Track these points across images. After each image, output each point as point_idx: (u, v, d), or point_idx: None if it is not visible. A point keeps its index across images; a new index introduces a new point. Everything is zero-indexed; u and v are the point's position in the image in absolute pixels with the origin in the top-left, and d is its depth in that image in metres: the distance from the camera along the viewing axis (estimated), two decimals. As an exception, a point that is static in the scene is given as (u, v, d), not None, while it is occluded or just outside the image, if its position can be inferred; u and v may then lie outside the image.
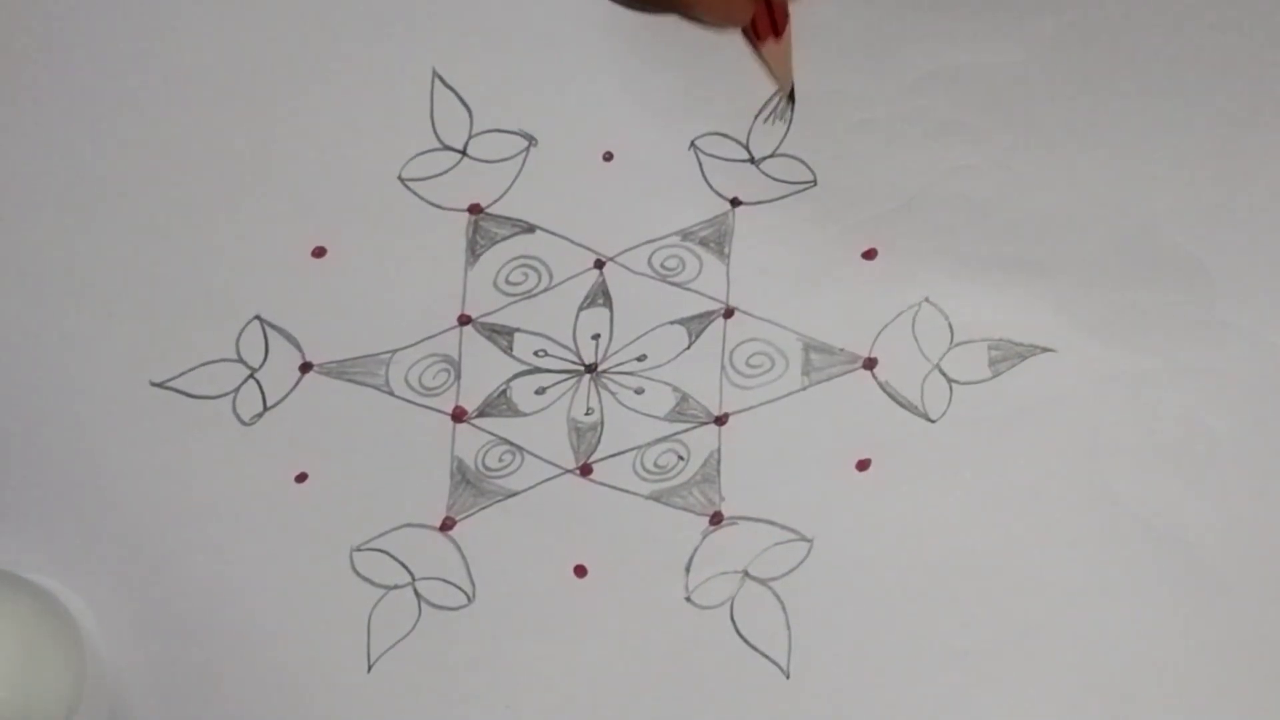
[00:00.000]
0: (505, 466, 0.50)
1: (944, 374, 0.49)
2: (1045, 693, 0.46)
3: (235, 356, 0.52)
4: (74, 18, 0.56)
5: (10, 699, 0.46)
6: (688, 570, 0.48)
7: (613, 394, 0.50)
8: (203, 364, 0.52)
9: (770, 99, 0.52)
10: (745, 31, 0.51)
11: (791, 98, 0.52)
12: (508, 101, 0.54)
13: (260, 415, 0.51)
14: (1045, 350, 0.48)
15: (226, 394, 0.52)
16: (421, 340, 0.51)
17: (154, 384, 0.52)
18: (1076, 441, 0.48)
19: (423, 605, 0.49)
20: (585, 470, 0.50)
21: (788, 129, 0.52)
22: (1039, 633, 0.46)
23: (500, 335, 0.51)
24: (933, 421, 0.48)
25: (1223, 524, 0.47)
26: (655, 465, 0.49)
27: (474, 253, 0.52)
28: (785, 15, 0.50)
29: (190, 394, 0.52)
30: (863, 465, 0.48)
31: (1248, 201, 0.49)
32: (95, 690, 0.49)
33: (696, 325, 0.50)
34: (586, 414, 0.50)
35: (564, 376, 0.51)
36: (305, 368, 0.52)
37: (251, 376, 0.52)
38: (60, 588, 0.50)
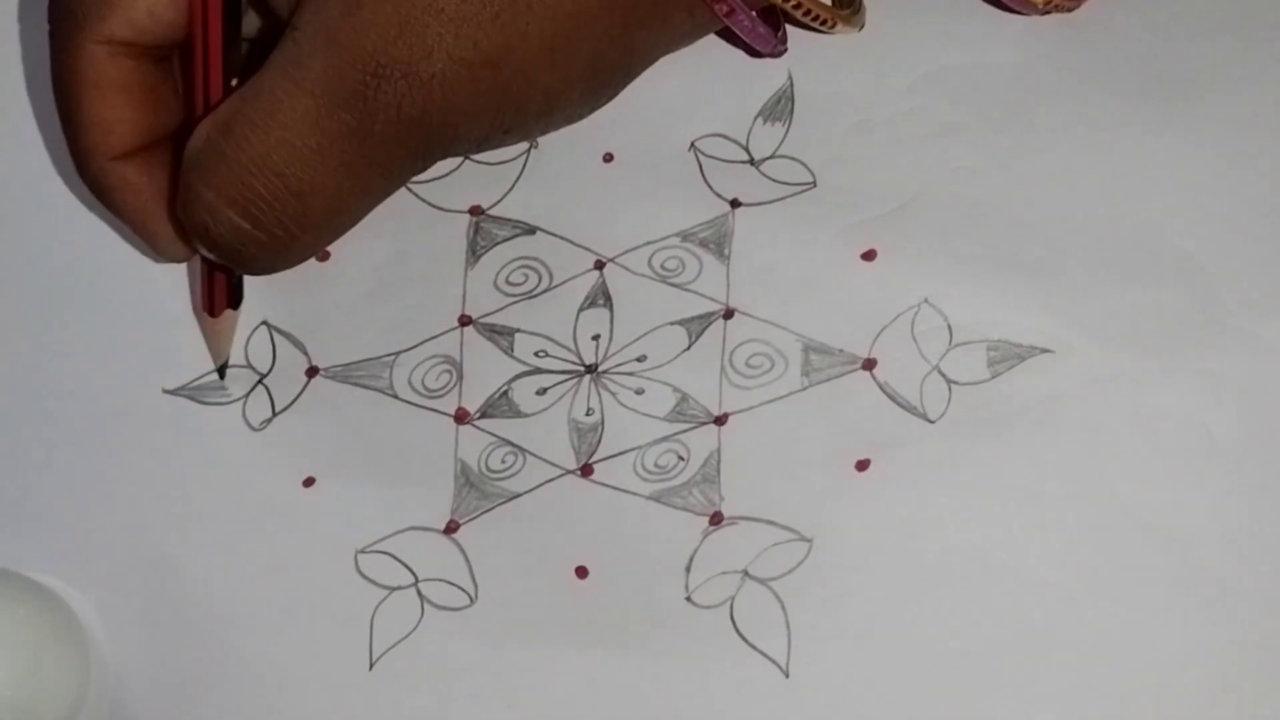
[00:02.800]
0: (508, 468, 0.50)
1: (943, 375, 0.49)
2: (1045, 693, 0.46)
3: (245, 363, 0.53)
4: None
5: (14, 698, 0.47)
6: (688, 570, 0.49)
7: (613, 394, 0.50)
8: (213, 370, 0.52)
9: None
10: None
11: (221, 372, 0.53)
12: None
13: (269, 420, 0.52)
14: (1044, 351, 0.48)
15: (236, 400, 0.52)
16: (423, 342, 0.52)
17: (166, 391, 0.52)
18: (1076, 442, 0.48)
19: (425, 606, 0.49)
20: (586, 471, 0.50)
21: (786, 130, 0.52)
22: (1039, 633, 0.46)
23: (501, 336, 0.51)
24: (932, 422, 0.48)
25: (1223, 524, 0.46)
26: (655, 465, 0.50)
27: (475, 254, 0.52)
28: (231, 300, 0.50)
29: (201, 400, 0.52)
30: (862, 465, 0.48)
31: (1248, 201, 0.49)
32: (99, 690, 0.49)
33: (696, 326, 0.51)
34: (587, 414, 0.50)
35: (564, 377, 0.51)
36: (311, 372, 0.52)
37: (260, 382, 0.52)
38: (65, 587, 0.50)
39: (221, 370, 0.52)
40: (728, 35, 0.49)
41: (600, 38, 0.43)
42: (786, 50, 0.49)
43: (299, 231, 0.43)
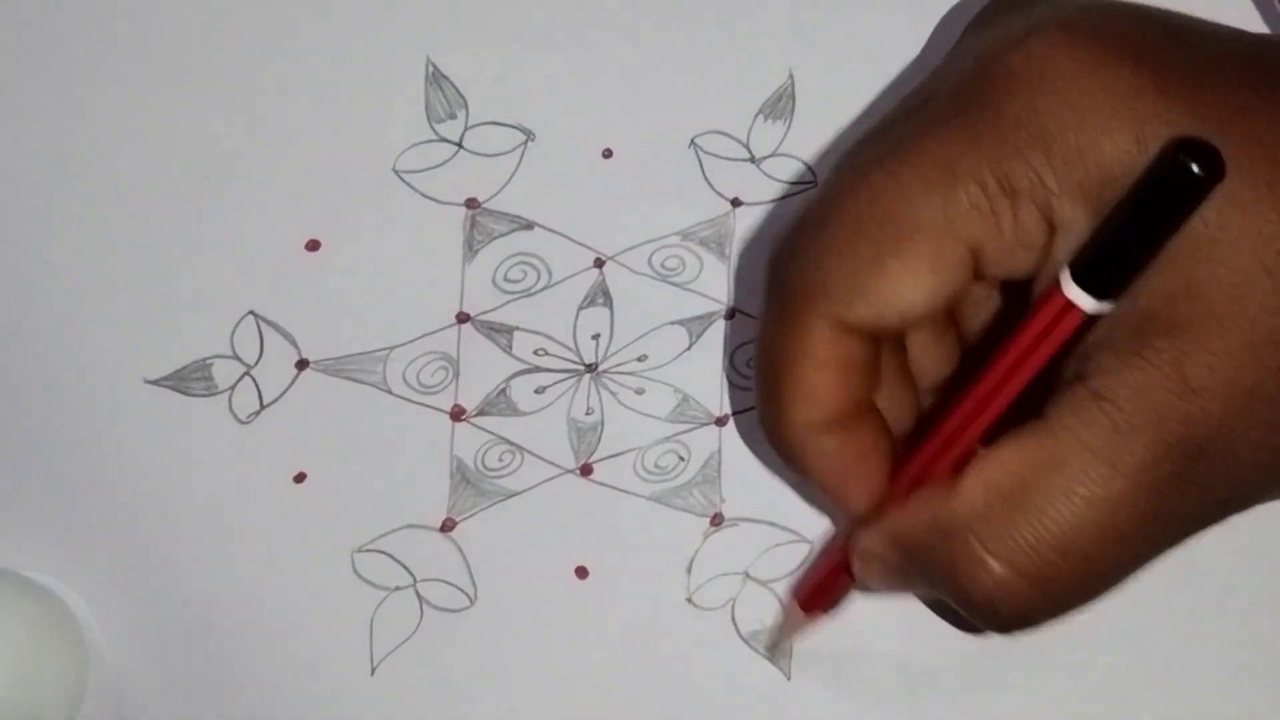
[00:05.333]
0: (505, 466, 0.50)
1: (944, 376, 0.49)
2: (1045, 692, 0.46)
3: (230, 353, 0.52)
4: (59, 8, 0.55)
5: (14, 697, 0.46)
6: (689, 571, 0.49)
7: (613, 394, 0.50)
8: (197, 361, 0.52)
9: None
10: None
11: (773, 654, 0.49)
12: (505, 94, 0.53)
13: (257, 413, 0.51)
14: (1045, 353, 0.49)
15: (222, 391, 0.52)
16: (419, 337, 0.51)
17: (148, 381, 0.52)
18: (1075, 444, 0.48)
19: (425, 607, 0.49)
20: (585, 470, 0.50)
21: (787, 129, 0.52)
22: (1039, 633, 0.47)
23: (499, 334, 0.51)
24: (932, 423, 0.49)
25: (1222, 524, 0.47)
26: (656, 466, 0.49)
27: (471, 248, 0.52)
28: (832, 604, 0.47)
29: (186, 392, 0.52)
30: (862, 466, 0.48)
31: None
32: (99, 690, 0.49)
33: (697, 326, 0.50)
34: (587, 414, 0.50)
35: (564, 376, 0.51)
36: (301, 364, 0.52)
37: (247, 374, 0.52)
38: (62, 586, 0.50)
39: (772, 652, 0.49)
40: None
41: None
42: None
43: (1082, 606, 0.40)
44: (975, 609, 0.40)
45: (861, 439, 0.42)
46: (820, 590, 0.46)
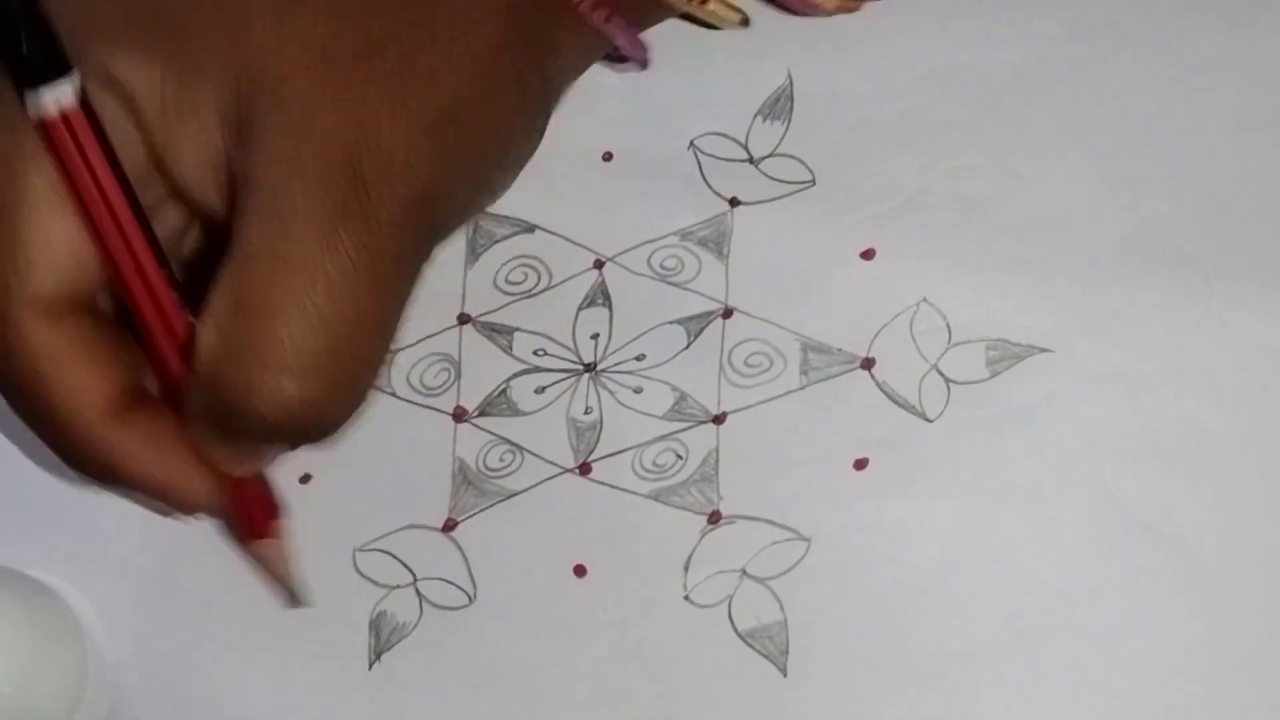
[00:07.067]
0: (506, 466, 0.50)
1: (942, 374, 0.49)
2: (1044, 693, 0.46)
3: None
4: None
5: (14, 697, 0.47)
6: (686, 569, 0.49)
7: (611, 393, 0.50)
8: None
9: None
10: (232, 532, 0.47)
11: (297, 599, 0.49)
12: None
13: (262, 415, 0.52)
14: (1043, 350, 0.48)
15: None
16: (422, 339, 0.52)
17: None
18: (1074, 442, 0.48)
19: (424, 605, 0.49)
20: (585, 469, 0.50)
21: (786, 129, 0.52)
22: (1037, 633, 0.46)
23: (500, 334, 0.51)
24: (930, 421, 0.48)
25: (1221, 524, 0.46)
26: (654, 464, 0.50)
27: (474, 252, 0.52)
28: (275, 510, 0.46)
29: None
30: (860, 465, 0.48)
31: (1248, 201, 0.49)
32: (97, 689, 0.49)
33: (695, 325, 0.51)
34: (586, 413, 0.50)
35: (563, 376, 0.51)
36: (308, 368, 0.52)
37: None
38: (62, 585, 0.50)
39: (295, 596, 0.49)
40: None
41: (519, 67, 0.43)
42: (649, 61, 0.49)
43: (364, 365, 0.40)
44: (265, 430, 0.39)
45: (156, 424, 0.42)
46: (249, 510, 0.45)
